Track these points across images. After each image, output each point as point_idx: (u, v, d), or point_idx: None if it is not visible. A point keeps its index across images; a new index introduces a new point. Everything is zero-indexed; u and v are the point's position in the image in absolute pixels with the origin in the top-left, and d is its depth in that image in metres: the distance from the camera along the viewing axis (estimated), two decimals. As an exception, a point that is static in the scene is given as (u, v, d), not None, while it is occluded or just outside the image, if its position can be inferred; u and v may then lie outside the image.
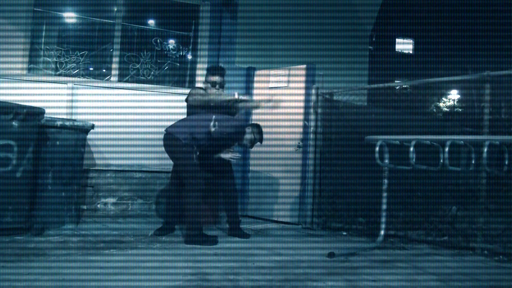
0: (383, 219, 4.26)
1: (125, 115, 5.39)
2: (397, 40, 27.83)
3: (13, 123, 3.80)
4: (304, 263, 3.47)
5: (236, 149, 4.50)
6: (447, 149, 3.56)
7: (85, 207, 5.18)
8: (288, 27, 6.40)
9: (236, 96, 4.07)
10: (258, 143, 4.44)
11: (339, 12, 6.98)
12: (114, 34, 5.61)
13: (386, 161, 4.08)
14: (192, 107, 4.32)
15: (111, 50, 5.61)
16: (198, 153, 4.07)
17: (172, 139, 4.02)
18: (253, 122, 5.15)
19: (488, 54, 21.83)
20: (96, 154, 5.29)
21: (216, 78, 4.29)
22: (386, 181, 4.29)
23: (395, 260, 3.71)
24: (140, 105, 5.49)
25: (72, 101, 5.25)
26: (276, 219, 5.42)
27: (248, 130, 4.35)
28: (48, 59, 5.46)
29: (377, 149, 3.96)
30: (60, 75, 5.42)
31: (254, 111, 5.69)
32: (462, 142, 3.67)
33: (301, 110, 5.31)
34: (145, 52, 5.80)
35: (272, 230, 4.93)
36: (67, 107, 5.21)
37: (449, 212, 4.60)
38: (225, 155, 4.25)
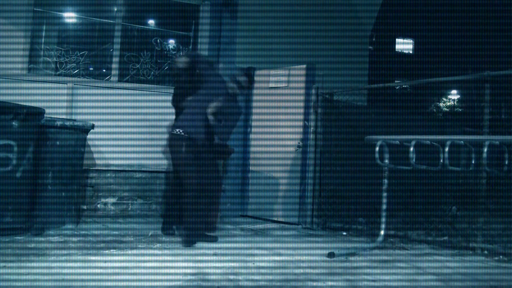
0: (383, 219, 4.26)
1: (125, 115, 5.39)
2: (397, 40, 27.81)
3: (13, 123, 3.80)
4: (304, 263, 3.47)
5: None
6: (447, 149, 3.56)
7: (85, 207, 5.18)
8: (288, 27, 6.40)
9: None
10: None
11: (339, 12, 6.98)
12: (114, 34, 5.61)
13: (386, 161, 4.08)
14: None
15: (111, 50, 5.61)
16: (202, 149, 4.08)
17: (182, 139, 4.00)
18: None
19: (488, 54, 21.82)
20: (96, 154, 5.29)
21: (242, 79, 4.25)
22: (386, 181, 4.29)
23: (395, 260, 3.71)
24: (140, 105, 5.49)
25: (72, 101, 5.25)
26: (276, 219, 5.42)
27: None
28: (48, 59, 5.46)
29: (377, 149, 3.96)
30: (60, 75, 5.42)
31: (254, 110, 5.69)
32: (462, 142, 3.67)
33: (301, 110, 5.31)
34: (145, 52, 5.80)
35: (272, 230, 4.93)
36: (67, 107, 5.21)
37: (449, 212, 4.60)
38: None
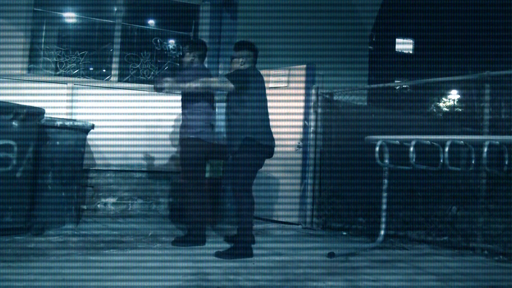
0: (383, 219, 4.26)
1: (125, 115, 5.39)
2: (397, 40, 27.81)
3: (13, 123, 3.80)
4: (304, 263, 3.47)
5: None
6: (447, 149, 3.56)
7: (85, 207, 5.18)
8: (288, 27, 6.40)
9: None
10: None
11: (339, 12, 6.98)
12: (114, 34, 5.61)
13: (386, 161, 4.08)
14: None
15: (111, 50, 5.61)
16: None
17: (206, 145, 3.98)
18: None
19: (488, 54, 21.82)
20: (96, 154, 5.29)
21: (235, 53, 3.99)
22: (386, 181, 4.29)
23: (395, 260, 3.71)
24: (140, 105, 5.49)
25: (72, 101, 5.25)
26: (276, 219, 5.42)
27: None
28: (48, 59, 5.46)
29: (377, 149, 3.96)
30: (60, 75, 5.42)
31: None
32: (462, 142, 3.67)
33: (301, 110, 5.31)
34: (145, 52, 5.80)
35: (272, 230, 4.93)
36: (67, 107, 5.21)
37: (449, 212, 4.60)
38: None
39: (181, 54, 4.10)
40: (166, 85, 3.76)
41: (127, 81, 5.64)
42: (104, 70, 5.74)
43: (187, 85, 3.78)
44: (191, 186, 3.94)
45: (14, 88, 4.95)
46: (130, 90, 5.53)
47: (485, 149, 3.39)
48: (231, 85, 3.69)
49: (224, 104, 5.60)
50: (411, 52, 28.09)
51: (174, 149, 5.58)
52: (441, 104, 25.28)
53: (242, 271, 3.12)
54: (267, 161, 4.00)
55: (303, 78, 5.35)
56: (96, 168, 5.28)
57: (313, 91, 5.23)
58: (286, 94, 5.42)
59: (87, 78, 5.51)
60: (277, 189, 5.44)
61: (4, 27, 5.08)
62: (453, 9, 24.51)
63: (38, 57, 5.43)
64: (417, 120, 5.41)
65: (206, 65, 4.31)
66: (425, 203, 4.76)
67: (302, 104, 5.31)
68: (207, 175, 4.90)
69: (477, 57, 21.82)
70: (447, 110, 24.89)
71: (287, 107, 5.36)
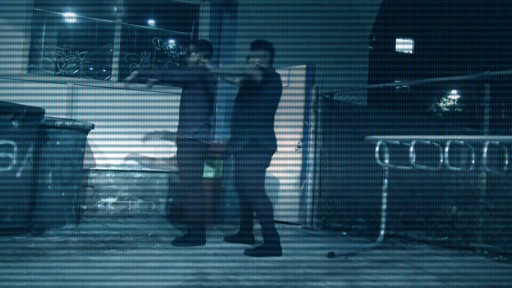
0: (383, 219, 4.26)
1: (125, 115, 5.39)
2: (397, 40, 27.83)
3: (13, 123, 3.80)
4: (304, 263, 3.47)
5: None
6: (447, 149, 3.56)
7: (85, 207, 5.18)
8: (288, 27, 6.40)
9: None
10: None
11: (339, 12, 6.98)
12: (114, 34, 5.61)
13: (386, 161, 4.08)
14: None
15: (111, 50, 5.62)
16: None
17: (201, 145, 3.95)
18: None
19: (488, 54, 21.82)
20: (96, 154, 5.29)
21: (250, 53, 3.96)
22: (386, 181, 4.29)
23: (395, 260, 3.71)
24: (140, 105, 5.50)
25: (72, 101, 5.25)
26: (276, 219, 5.41)
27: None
28: (48, 59, 5.46)
29: (377, 149, 3.96)
30: (60, 75, 5.42)
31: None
32: (462, 142, 3.67)
33: (301, 110, 5.31)
34: (145, 52, 5.80)
35: (272, 230, 4.92)
36: (67, 107, 5.21)
37: (449, 212, 4.60)
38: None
39: (184, 54, 4.08)
40: (207, 66, 3.60)
41: (127, 81, 5.64)
42: (104, 70, 5.74)
43: (225, 66, 3.67)
44: (189, 186, 3.94)
45: (14, 88, 4.96)
46: (130, 90, 5.52)
47: (485, 149, 3.39)
48: (260, 75, 3.62)
49: (223, 104, 5.60)
50: (411, 52, 28.10)
51: (174, 149, 5.58)
52: (441, 104, 25.28)
53: (242, 271, 3.12)
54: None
55: (303, 78, 5.35)
56: (96, 168, 5.28)
57: (313, 91, 5.24)
58: (286, 94, 5.41)
59: (87, 78, 5.51)
60: (277, 189, 5.44)
61: (4, 27, 5.08)
62: (453, 9, 24.51)
63: (38, 57, 5.43)
64: (417, 120, 5.42)
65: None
66: (425, 203, 4.76)
67: (302, 104, 5.31)
68: (209, 175, 4.91)
69: (477, 57, 21.83)
70: (447, 110, 24.89)
71: (287, 107, 5.36)
